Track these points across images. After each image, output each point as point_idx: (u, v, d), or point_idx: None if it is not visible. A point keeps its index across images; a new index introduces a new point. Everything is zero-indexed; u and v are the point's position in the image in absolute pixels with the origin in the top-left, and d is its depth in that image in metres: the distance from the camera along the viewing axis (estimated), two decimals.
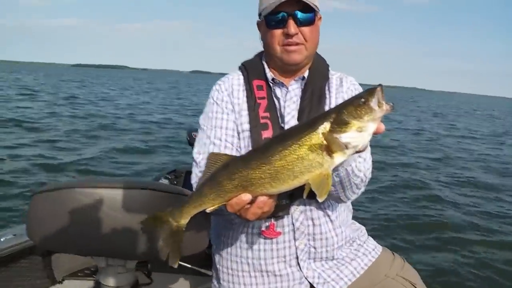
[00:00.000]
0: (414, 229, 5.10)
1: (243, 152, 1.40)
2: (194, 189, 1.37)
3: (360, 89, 1.48)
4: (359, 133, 0.87)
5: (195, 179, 1.39)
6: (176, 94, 30.96)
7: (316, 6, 1.35)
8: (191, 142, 2.83)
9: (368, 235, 1.62)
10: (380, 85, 0.89)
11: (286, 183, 0.92)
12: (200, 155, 1.41)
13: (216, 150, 1.38)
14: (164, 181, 2.64)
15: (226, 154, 1.03)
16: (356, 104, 0.87)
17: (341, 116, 0.87)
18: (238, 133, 1.41)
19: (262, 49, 1.51)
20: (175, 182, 2.69)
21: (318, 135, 0.88)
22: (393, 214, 5.50)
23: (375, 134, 0.91)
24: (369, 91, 0.88)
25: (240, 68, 1.53)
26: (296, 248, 1.40)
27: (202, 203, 1.02)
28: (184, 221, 1.05)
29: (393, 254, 1.57)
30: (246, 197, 0.98)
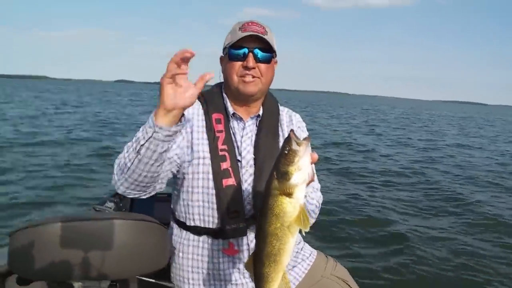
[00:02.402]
0: (340, 230, 5.37)
1: (196, 176, 1.52)
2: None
3: (304, 125, 1.75)
4: (300, 171, 1.05)
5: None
6: (109, 107, 28.83)
7: (274, 49, 1.52)
8: None
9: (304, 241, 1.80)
10: (291, 130, 1.09)
11: (288, 236, 1.10)
12: None
13: None
14: (110, 204, 2.67)
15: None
16: (284, 155, 1.05)
17: (280, 171, 1.05)
18: (193, 158, 1.51)
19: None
20: (121, 205, 2.75)
21: (278, 196, 1.06)
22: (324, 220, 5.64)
23: (313, 163, 1.10)
24: (286, 141, 1.07)
25: (199, 99, 1.60)
26: None
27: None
28: None
29: (326, 256, 1.80)
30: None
